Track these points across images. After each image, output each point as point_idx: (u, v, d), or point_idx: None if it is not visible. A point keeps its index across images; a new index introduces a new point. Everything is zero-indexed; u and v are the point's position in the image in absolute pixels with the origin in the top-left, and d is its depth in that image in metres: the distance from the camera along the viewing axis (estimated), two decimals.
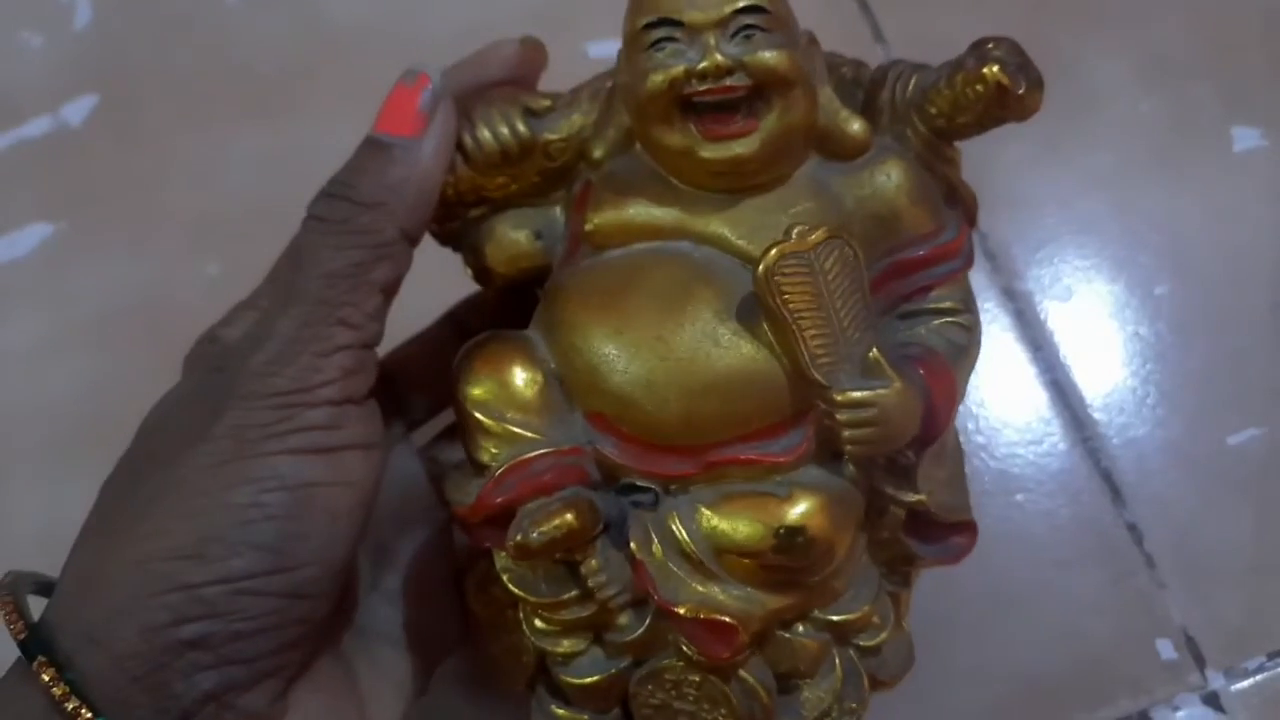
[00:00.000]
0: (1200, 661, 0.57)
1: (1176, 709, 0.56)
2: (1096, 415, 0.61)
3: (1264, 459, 0.61)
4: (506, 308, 0.47)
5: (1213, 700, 0.56)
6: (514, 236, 0.44)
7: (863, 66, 0.43)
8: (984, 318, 0.61)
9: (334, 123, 0.67)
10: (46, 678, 0.35)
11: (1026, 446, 0.61)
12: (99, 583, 0.37)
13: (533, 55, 0.45)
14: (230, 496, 0.36)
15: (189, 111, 0.70)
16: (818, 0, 0.67)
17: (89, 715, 0.35)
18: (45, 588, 0.40)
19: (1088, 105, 0.67)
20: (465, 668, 0.50)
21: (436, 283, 0.46)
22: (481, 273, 0.44)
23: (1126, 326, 0.63)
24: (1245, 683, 0.57)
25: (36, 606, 0.39)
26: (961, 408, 0.60)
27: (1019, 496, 0.60)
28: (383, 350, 0.48)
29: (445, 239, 0.45)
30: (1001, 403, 0.61)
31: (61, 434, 0.64)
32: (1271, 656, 0.57)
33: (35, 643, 0.36)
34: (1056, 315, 0.64)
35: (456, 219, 0.44)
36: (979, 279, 0.63)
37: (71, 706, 0.35)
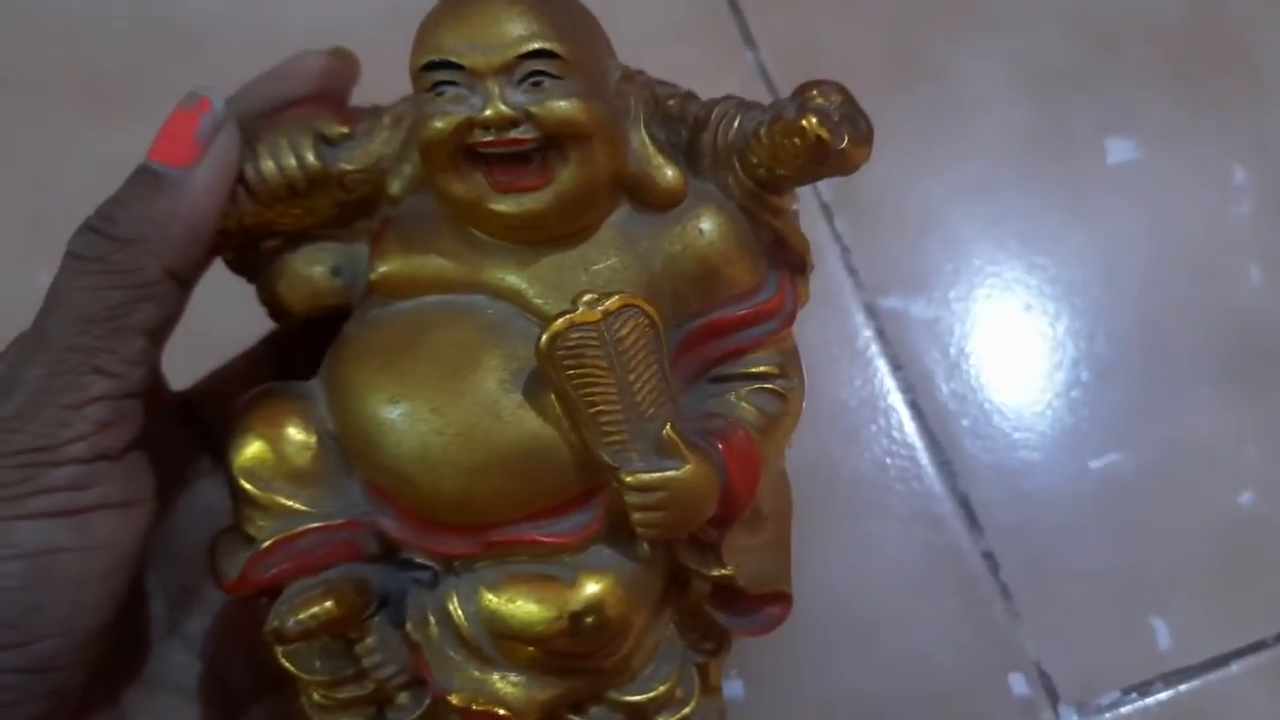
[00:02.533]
0: (1053, 697, 0.56)
1: None
2: (954, 439, 0.60)
3: (1125, 484, 0.60)
4: (322, 333, 0.44)
5: None
6: (307, 273, 0.40)
7: (691, 100, 0.39)
8: (845, 334, 0.61)
9: None
10: None
11: (883, 468, 0.59)
12: None
13: (342, 68, 0.41)
14: None
15: (20, 106, 0.66)
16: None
17: None
18: None
19: (961, 112, 0.65)
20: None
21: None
22: (275, 310, 0.41)
23: (992, 346, 0.62)
24: None
25: None
26: (817, 427, 0.58)
27: (873, 522, 0.58)
28: (199, 373, 0.46)
29: (236, 268, 0.42)
30: (858, 424, 0.60)
31: None
32: (1126, 692, 0.56)
33: None
34: (919, 334, 0.62)
35: (246, 250, 0.41)
36: (842, 294, 0.61)
37: None
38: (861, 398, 0.60)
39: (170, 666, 0.43)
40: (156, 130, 0.62)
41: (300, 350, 0.46)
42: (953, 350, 0.61)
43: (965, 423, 0.60)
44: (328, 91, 0.41)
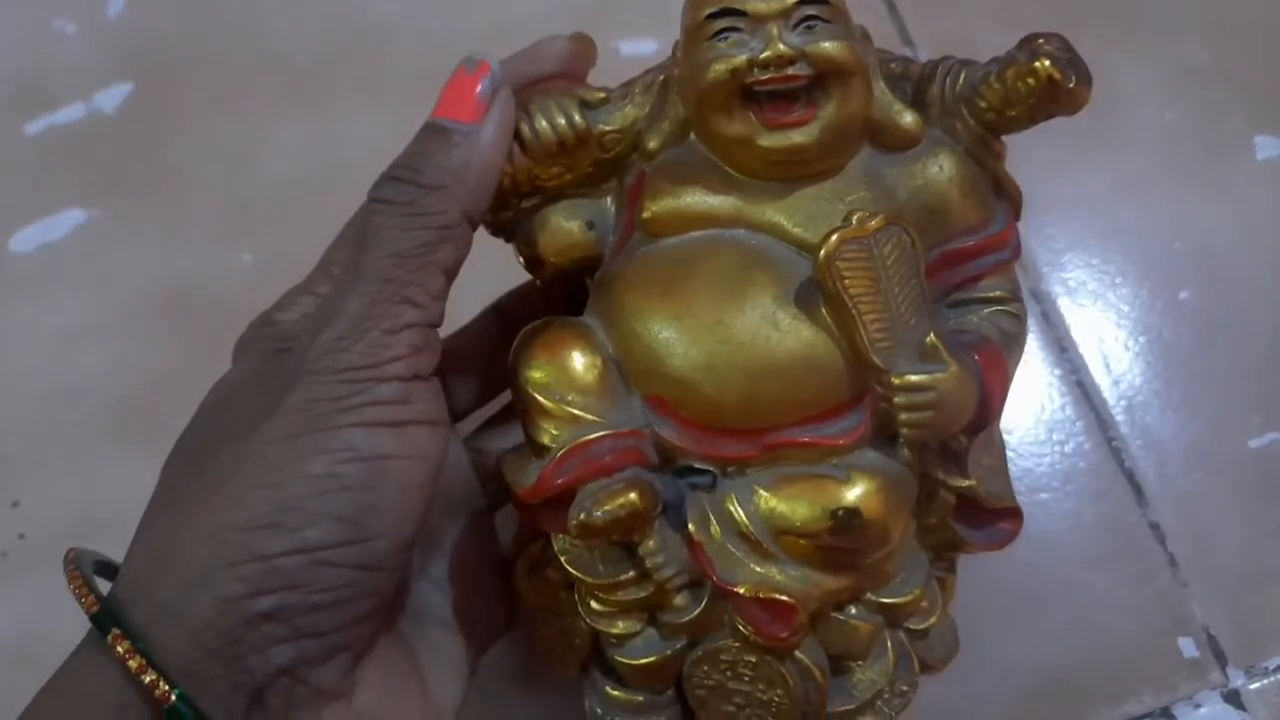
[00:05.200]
0: (1221, 660, 0.58)
1: (1198, 706, 0.57)
2: (1120, 417, 0.62)
3: None
4: (554, 301, 0.47)
5: (1233, 698, 0.57)
6: (567, 226, 0.44)
7: (911, 63, 0.43)
8: None
9: (366, 113, 0.69)
10: (122, 650, 0.35)
11: (1052, 446, 0.62)
12: (172, 556, 0.37)
13: (583, 50, 0.45)
14: (306, 467, 0.37)
15: (222, 100, 0.71)
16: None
17: (166, 687, 0.35)
18: (103, 568, 0.40)
19: (1114, 111, 0.68)
20: (511, 654, 0.50)
21: (480, 276, 0.46)
22: (534, 262, 0.45)
23: (1151, 330, 0.64)
24: (1265, 681, 0.57)
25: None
26: None
27: (1044, 495, 0.61)
28: None
29: (496, 229, 0.46)
30: (1028, 403, 0.62)
31: (96, 417, 0.64)
32: None
33: (107, 615, 0.36)
34: (1082, 317, 0.65)
35: (509, 209, 0.44)
36: None
37: (149, 679, 0.35)
38: (1029, 378, 0.62)
39: (429, 603, 0.46)
40: (343, 120, 0.67)
41: (533, 314, 0.50)
42: (1112, 335, 0.64)
43: (1128, 402, 0.62)
44: (570, 71, 0.45)
